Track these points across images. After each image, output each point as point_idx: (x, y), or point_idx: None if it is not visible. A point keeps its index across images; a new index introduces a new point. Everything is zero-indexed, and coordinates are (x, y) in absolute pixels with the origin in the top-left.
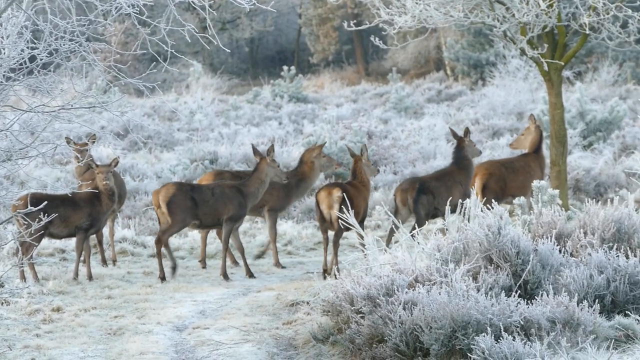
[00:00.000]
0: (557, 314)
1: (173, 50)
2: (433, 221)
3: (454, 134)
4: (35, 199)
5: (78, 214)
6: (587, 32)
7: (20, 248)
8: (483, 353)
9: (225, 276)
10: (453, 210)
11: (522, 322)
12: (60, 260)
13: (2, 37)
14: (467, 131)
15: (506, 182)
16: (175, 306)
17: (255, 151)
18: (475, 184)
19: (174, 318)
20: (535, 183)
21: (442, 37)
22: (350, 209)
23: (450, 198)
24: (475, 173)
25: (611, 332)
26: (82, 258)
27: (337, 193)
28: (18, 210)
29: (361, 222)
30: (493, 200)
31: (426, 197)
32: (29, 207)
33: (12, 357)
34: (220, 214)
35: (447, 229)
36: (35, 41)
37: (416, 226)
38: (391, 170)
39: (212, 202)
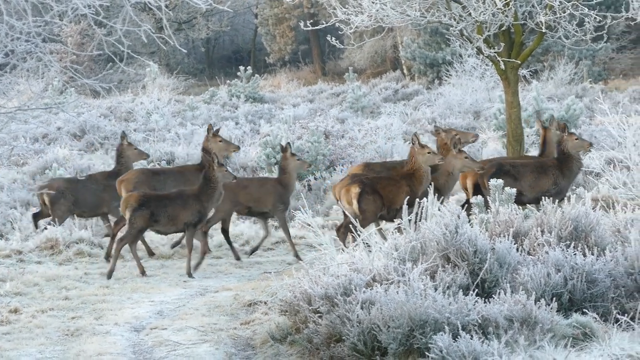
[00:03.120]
0: (515, 313)
1: (129, 51)
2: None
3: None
4: (144, 198)
5: (187, 211)
6: (544, 30)
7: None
8: (441, 352)
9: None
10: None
11: (479, 321)
12: (18, 262)
13: None
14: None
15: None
16: (133, 307)
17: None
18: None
19: (132, 319)
20: (492, 182)
21: (399, 37)
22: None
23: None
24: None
25: (569, 330)
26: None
27: (354, 190)
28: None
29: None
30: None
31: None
32: (138, 206)
33: None
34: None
35: (404, 228)
36: None
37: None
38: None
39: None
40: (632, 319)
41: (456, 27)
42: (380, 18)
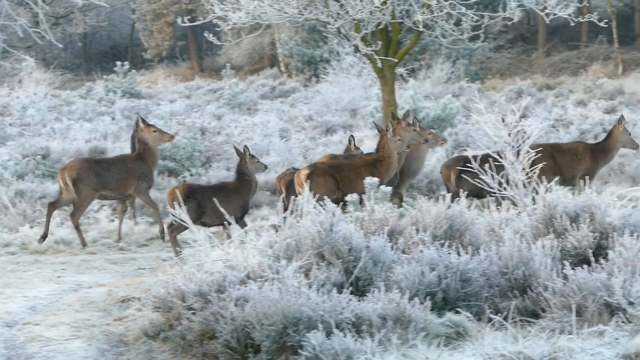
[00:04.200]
0: (389, 311)
1: (5, 45)
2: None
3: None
4: (190, 190)
5: (231, 204)
6: (421, 29)
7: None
8: (314, 349)
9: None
10: None
11: (353, 319)
12: None
13: None
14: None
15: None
16: (5, 302)
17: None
18: None
19: (4, 314)
20: (368, 180)
21: (277, 34)
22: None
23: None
24: None
25: (442, 329)
26: None
27: (304, 172)
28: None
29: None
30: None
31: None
32: (185, 197)
33: None
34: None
35: (279, 225)
36: None
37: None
38: (224, 167)
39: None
40: (505, 318)
41: (334, 25)
42: (257, 15)
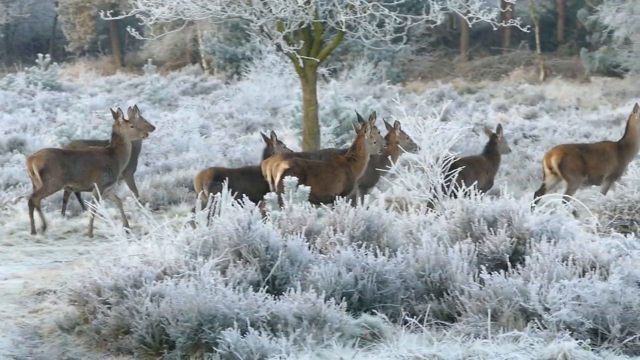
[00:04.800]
0: (304, 311)
1: None
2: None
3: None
4: (218, 173)
5: (255, 186)
6: (344, 30)
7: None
8: (228, 347)
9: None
10: None
11: (268, 318)
12: None
13: None
14: (499, 127)
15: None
16: None
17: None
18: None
19: None
20: (287, 179)
21: (199, 30)
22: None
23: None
24: (549, 154)
25: (357, 330)
26: None
27: (283, 165)
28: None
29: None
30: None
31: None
32: (214, 181)
33: None
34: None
35: (197, 222)
36: None
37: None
38: (143, 162)
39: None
40: (421, 321)
41: (256, 23)
42: (180, 11)
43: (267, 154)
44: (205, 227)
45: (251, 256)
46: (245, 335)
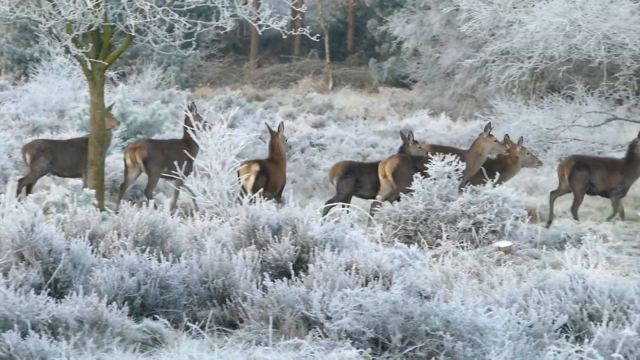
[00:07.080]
0: (86, 314)
1: None
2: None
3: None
4: (350, 167)
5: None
6: (133, 34)
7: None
8: (8, 349)
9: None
10: None
11: (50, 321)
12: None
13: None
14: (488, 126)
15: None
16: None
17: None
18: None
19: None
20: (72, 182)
21: None
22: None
23: None
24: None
25: (139, 335)
26: None
27: (254, 167)
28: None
29: (279, 193)
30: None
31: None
32: (345, 174)
33: None
34: None
35: None
36: None
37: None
38: None
39: None
40: (203, 327)
41: (45, 25)
42: None
43: (403, 151)
44: None
45: (34, 258)
46: (25, 337)
